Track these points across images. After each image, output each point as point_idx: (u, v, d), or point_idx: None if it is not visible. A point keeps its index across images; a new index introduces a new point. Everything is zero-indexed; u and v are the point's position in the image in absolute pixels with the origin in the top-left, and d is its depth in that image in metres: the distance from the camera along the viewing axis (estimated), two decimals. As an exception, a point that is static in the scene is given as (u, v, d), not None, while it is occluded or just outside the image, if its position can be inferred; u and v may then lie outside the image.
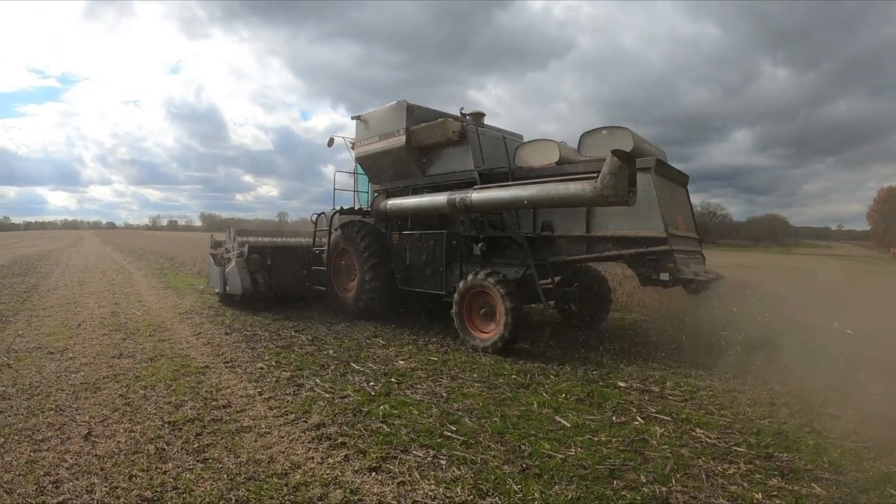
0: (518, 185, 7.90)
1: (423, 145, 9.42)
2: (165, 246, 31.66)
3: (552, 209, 7.93)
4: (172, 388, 5.72)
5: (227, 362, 6.83)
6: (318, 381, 6.08)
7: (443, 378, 6.34)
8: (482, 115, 10.18)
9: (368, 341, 8.26)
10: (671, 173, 8.21)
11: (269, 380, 6.10)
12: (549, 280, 8.42)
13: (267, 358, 7.07)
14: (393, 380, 6.21)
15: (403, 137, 9.41)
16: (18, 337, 7.96)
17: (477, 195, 8.15)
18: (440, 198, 8.67)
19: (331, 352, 7.50)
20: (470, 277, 8.14)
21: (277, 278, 11.35)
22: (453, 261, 9.21)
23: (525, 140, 9.62)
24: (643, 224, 7.23)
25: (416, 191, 9.81)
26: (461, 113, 9.97)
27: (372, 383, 6.05)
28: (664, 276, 7.17)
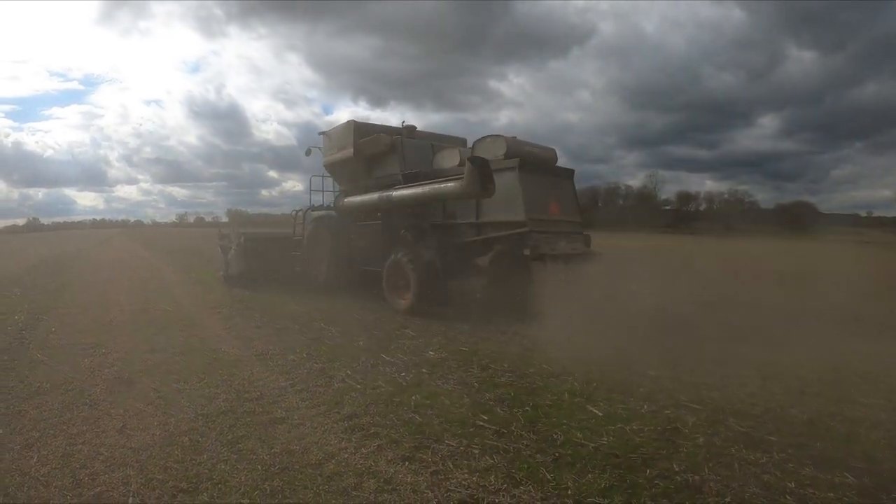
0: (420, 185, 9.96)
1: (366, 155, 11.72)
2: (193, 242, 32.03)
3: (456, 201, 9.95)
4: (205, 380, 5.74)
5: (259, 355, 6.85)
6: (349, 372, 6.06)
7: (473, 368, 6.26)
8: (414, 127, 12.35)
9: (398, 332, 8.21)
10: (547, 169, 10.28)
11: (300, 372, 6.10)
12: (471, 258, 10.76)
13: (298, 350, 7.07)
14: (424, 370, 6.17)
15: (352, 149, 11.73)
16: (51, 334, 8.04)
17: (395, 193, 10.38)
18: (374, 196, 11.01)
19: (361, 343, 7.47)
20: (392, 257, 10.19)
21: (268, 262, 13.70)
22: (390, 245, 10.74)
23: (469, 143, 11.57)
24: (511, 211, 9.19)
25: (364, 191, 11.73)
26: (403, 125, 12.22)
27: (403, 374, 6.02)
28: (526, 252, 8.94)
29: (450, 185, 9.09)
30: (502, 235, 9.43)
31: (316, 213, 13.58)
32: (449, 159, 10.99)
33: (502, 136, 10.02)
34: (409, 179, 10.61)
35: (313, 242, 12.96)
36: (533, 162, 9.83)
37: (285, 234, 14.18)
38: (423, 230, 10.55)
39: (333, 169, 13.03)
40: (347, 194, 12.40)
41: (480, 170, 8.46)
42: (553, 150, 10.95)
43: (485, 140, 10.28)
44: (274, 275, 13.53)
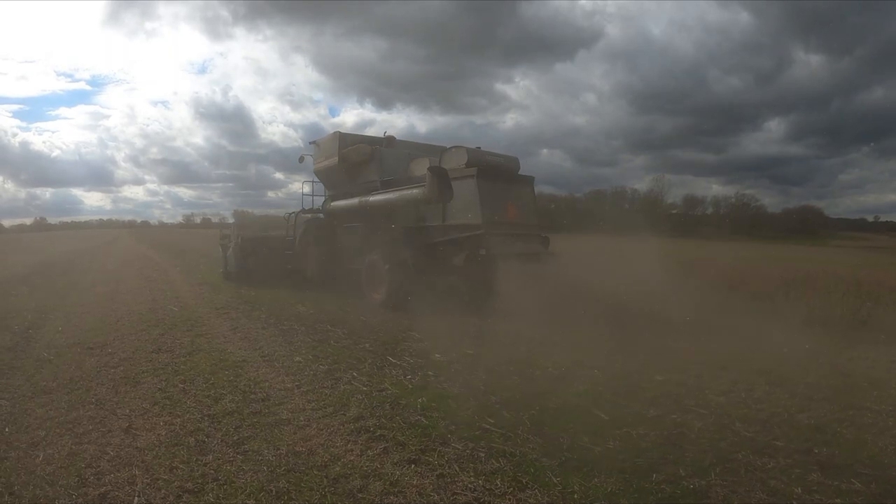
0: (391, 191, 11.21)
1: (349, 163, 12.70)
2: (200, 243, 32.00)
3: (427, 206, 10.64)
4: (211, 381, 5.74)
5: (265, 356, 6.84)
6: (355, 374, 6.04)
7: (479, 371, 6.21)
8: (393, 138, 13.62)
9: (404, 335, 8.18)
10: (506, 176, 11.07)
11: (306, 373, 6.09)
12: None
13: (304, 352, 7.05)
14: (430, 373, 6.15)
15: (337, 158, 12.76)
16: (58, 333, 8.06)
17: (373, 198, 11.55)
18: (355, 200, 12.17)
19: (367, 345, 7.45)
20: (369, 257, 11.27)
21: (263, 260, 14.73)
22: (369, 245, 11.71)
23: (445, 150, 12.20)
24: (470, 215, 10.07)
25: (347, 196, 12.79)
26: (384, 135, 13.56)
27: (409, 376, 6.00)
28: (483, 252, 9.93)
29: (415, 191, 10.26)
30: (463, 237, 10.29)
31: (306, 216, 14.72)
32: (421, 167, 11.50)
33: (464, 146, 10.98)
34: (386, 186, 11.76)
35: (303, 243, 14.11)
36: (492, 170, 10.64)
37: (280, 235, 15.14)
38: (396, 232, 11.32)
39: (322, 175, 14.26)
40: (334, 199, 13.71)
41: (438, 178, 9.51)
42: (516, 160, 11.89)
43: (450, 150, 11.30)
44: (268, 272, 14.46)
